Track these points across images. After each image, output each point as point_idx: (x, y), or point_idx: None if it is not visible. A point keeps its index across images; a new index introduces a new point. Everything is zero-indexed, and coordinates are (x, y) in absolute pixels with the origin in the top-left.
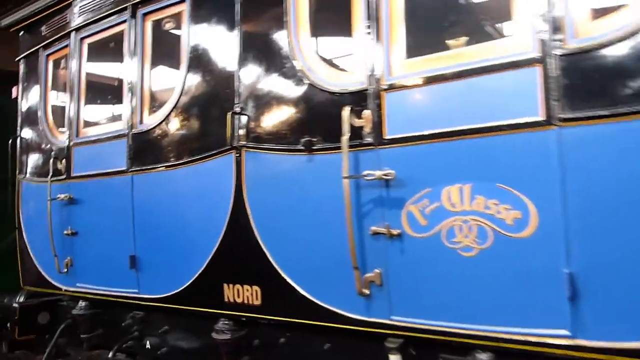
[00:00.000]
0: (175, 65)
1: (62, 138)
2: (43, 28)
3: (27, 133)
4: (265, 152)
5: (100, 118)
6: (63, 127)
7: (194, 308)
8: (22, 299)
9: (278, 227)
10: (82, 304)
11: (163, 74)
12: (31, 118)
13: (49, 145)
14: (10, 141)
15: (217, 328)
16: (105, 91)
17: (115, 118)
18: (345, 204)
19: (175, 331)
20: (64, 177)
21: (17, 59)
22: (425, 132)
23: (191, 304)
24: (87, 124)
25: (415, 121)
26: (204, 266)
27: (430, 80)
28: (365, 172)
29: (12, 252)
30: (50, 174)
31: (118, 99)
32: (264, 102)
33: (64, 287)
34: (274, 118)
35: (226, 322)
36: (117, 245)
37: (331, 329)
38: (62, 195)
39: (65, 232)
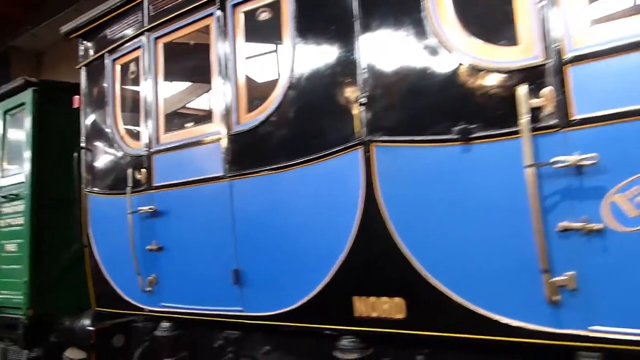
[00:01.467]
0: (274, 57)
1: (138, 146)
2: (107, 32)
3: (93, 144)
4: (403, 145)
5: (184, 122)
6: (137, 135)
7: (315, 325)
8: (87, 321)
9: (425, 229)
10: (164, 324)
11: (260, 68)
12: (97, 128)
13: (122, 155)
14: (75, 154)
15: (343, 347)
16: (188, 94)
17: (204, 120)
18: (530, 196)
19: (280, 351)
20: (144, 188)
21: (77, 66)
22: (631, 108)
23: (311, 321)
24: (168, 129)
25: (613, 97)
26: (328, 278)
27: (629, 48)
28: (553, 159)
29: (69, 271)
30: (129, 185)
31: (205, 100)
32: (397, 88)
33: (147, 307)
34: (413, 106)
35: (352, 339)
36: (215, 259)
37: (496, 344)
38: (145, 208)
39: (148, 247)
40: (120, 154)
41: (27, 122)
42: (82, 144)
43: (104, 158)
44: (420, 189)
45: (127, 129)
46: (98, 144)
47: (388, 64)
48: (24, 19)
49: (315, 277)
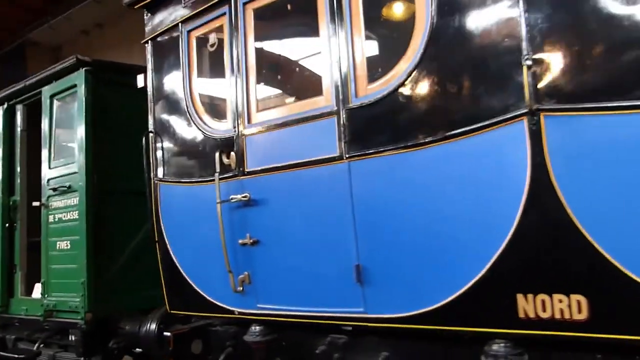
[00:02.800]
0: (404, 19)
1: (225, 127)
2: (181, 0)
3: (164, 127)
4: (584, 114)
5: (283, 98)
6: (221, 114)
7: (465, 328)
8: (153, 325)
9: (619, 215)
10: (256, 328)
11: (381, 32)
12: (169, 109)
13: (202, 138)
14: (144, 139)
15: (494, 352)
16: (285, 65)
17: (310, 94)
18: None
19: (401, 357)
20: (234, 173)
21: (143, 41)
22: None
23: (458, 323)
24: (263, 107)
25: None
26: (483, 273)
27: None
28: None
29: (127, 270)
30: (217, 171)
31: (310, 72)
32: (578, 44)
33: (238, 310)
34: (601, 66)
35: (505, 344)
36: (328, 253)
37: None
38: (238, 196)
39: (240, 241)
40: (200, 137)
41: (80, 106)
42: (150, 128)
43: (178, 142)
44: (612, 167)
45: (207, 109)
46: (170, 127)
47: (562, 14)
48: (43, 10)
49: (465, 272)
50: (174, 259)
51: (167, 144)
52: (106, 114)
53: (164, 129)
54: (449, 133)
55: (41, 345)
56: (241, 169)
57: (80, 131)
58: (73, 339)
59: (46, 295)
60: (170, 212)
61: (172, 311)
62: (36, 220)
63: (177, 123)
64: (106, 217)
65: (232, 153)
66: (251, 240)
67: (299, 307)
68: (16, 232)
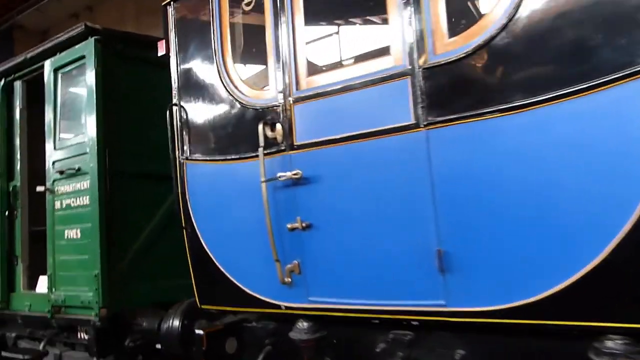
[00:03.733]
0: None
1: (267, 96)
2: None
3: (191, 99)
4: None
5: (339, 59)
6: (261, 81)
7: (580, 323)
8: (176, 322)
9: None
10: (304, 324)
11: None
12: (198, 78)
13: (239, 109)
14: (167, 112)
15: (610, 350)
16: (340, 20)
17: (374, 54)
18: None
19: (481, 356)
20: (280, 148)
21: (164, 2)
22: None
23: (564, 317)
24: (314, 70)
25: None
26: (601, 258)
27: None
28: None
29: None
30: (261, 145)
31: (374, 28)
32: None
33: (284, 304)
34: None
35: (623, 340)
36: (401, 237)
37: None
38: (288, 174)
39: (289, 225)
40: (236, 108)
41: (89, 80)
42: (175, 100)
43: (208, 116)
44: None
45: (244, 76)
46: (199, 99)
47: None
48: None
49: (577, 257)
50: (205, 247)
51: (195, 119)
52: (118, 90)
53: (190, 102)
54: (557, 93)
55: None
56: (289, 142)
57: (90, 108)
58: (85, 337)
59: (54, 290)
60: (200, 194)
61: (203, 306)
62: (39, 208)
63: (208, 94)
64: (118, 202)
65: (278, 125)
66: (303, 224)
67: (360, 300)
68: (17, 220)
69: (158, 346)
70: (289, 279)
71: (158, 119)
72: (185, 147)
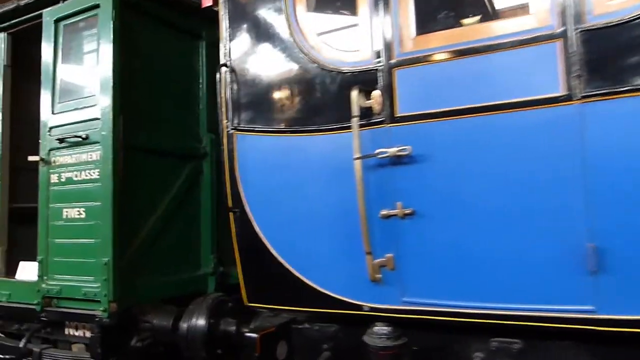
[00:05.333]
0: None
1: (358, 58)
2: None
3: (247, 60)
4: None
5: (456, 16)
6: (347, 41)
7: None
8: (201, 321)
9: None
10: (382, 329)
11: None
12: (257, 32)
13: (317, 73)
14: (217, 75)
15: None
16: None
17: (507, 13)
18: None
19: None
20: (376, 120)
21: None
22: None
23: None
24: (423, 29)
25: None
26: None
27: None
28: None
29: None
30: (356, 114)
31: None
32: None
33: (368, 304)
34: None
35: None
36: (538, 230)
37: None
38: (393, 150)
39: (383, 212)
40: (312, 70)
41: (104, 34)
42: (224, 60)
43: (270, 78)
44: None
45: (324, 34)
46: (257, 58)
47: None
48: None
49: None
50: (259, 234)
51: (251, 83)
52: (135, 50)
53: (245, 62)
54: None
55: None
56: (389, 113)
57: (105, 65)
58: (88, 335)
59: (45, 278)
60: (255, 171)
61: (251, 304)
62: (20, 182)
63: (271, 53)
64: (130, 179)
65: (375, 92)
66: (404, 211)
67: (472, 303)
68: None
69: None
70: (380, 275)
71: (175, 91)
72: (235, 116)
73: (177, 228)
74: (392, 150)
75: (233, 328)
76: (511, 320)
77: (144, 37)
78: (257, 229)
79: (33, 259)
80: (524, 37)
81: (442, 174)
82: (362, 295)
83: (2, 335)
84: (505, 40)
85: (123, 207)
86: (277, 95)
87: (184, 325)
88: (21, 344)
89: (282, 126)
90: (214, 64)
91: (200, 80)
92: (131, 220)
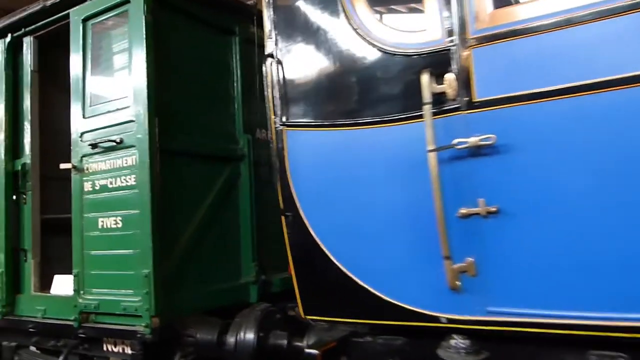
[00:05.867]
0: None
1: (425, 39)
2: None
3: (295, 46)
4: None
5: None
6: (409, 19)
7: None
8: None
9: None
10: (461, 342)
11: None
12: (306, 17)
13: (377, 57)
14: (264, 65)
15: None
16: None
17: None
18: None
19: None
20: (451, 106)
21: None
22: None
23: None
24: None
25: None
26: None
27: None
28: None
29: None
30: (428, 101)
31: None
32: None
33: (445, 316)
34: None
35: None
36: None
37: None
38: (473, 140)
39: (463, 211)
40: (372, 55)
41: (136, 30)
42: (270, 50)
43: (323, 67)
44: None
45: (382, 14)
46: (307, 45)
47: None
48: None
49: None
50: (315, 239)
51: (301, 73)
52: (167, 48)
53: (293, 51)
54: None
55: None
56: (466, 98)
57: (138, 64)
58: (128, 351)
59: (81, 292)
60: (308, 169)
61: (309, 317)
62: (52, 191)
63: (324, 41)
64: (167, 185)
65: (448, 75)
66: (488, 209)
67: (571, 312)
68: (25, 206)
69: None
70: (459, 283)
71: (209, 91)
72: (284, 111)
73: (215, 235)
74: (473, 140)
75: (284, 342)
76: (615, 332)
77: (175, 35)
78: (313, 233)
79: (66, 272)
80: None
81: (531, 165)
82: (438, 305)
83: (38, 351)
84: (607, 7)
85: (162, 214)
86: (332, 85)
87: (230, 339)
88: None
89: (338, 119)
90: (248, 62)
91: (235, 79)
92: (170, 228)
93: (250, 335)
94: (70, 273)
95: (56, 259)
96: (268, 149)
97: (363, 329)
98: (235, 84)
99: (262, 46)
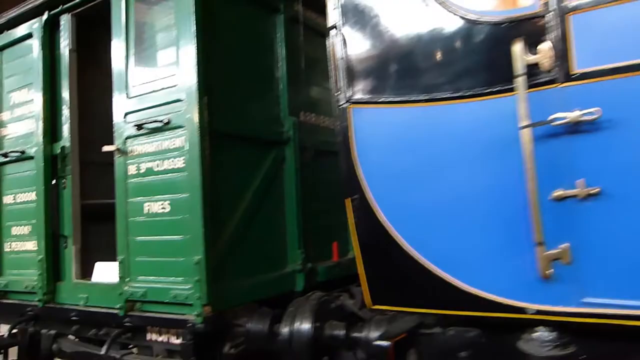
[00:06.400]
0: None
1: (517, 4)
2: None
3: (365, 17)
4: None
5: None
6: None
7: None
8: (306, 324)
9: None
10: (547, 335)
11: None
12: None
13: (459, 26)
14: (327, 41)
15: None
16: None
17: None
18: None
19: None
20: (545, 79)
21: None
22: None
23: None
24: None
25: None
26: None
27: None
28: None
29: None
30: (521, 72)
31: None
32: None
33: (533, 307)
34: None
35: None
36: None
37: None
38: (574, 114)
39: (557, 193)
40: (454, 23)
41: (183, 8)
42: (335, 21)
43: (396, 38)
44: None
45: None
46: (376, 15)
47: None
48: None
49: None
50: (385, 224)
51: (371, 45)
52: (214, 24)
53: (363, 23)
54: None
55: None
56: (563, 70)
57: (186, 39)
58: (173, 340)
59: (127, 280)
60: (377, 150)
61: (376, 306)
62: (89, 177)
63: (397, 9)
64: (215, 168)
65: (544, 44)
66: (588, 191)
67: None
68: (64, 191)
69: None
70: (551, 271)
71: (254, 70)
72: (350, 86)
73: (261, 221)
74: (574, 116)
75: (342, 332)
76: None
77: (221, 8)
78: (382, 218)
79: (105, 259)
80: None
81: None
82: (526, 295)
83: (77, 339)
84: None
85: (212, 198)
86: (406, 58)
87: (284, 329)
88: (103, 351)
89: (412, 94)
90: (292, 41)
91: (279, 58)
92: (218, 214)
93: (306, 326)
94: (110, 260)
95: (94, 246)
96: (313, 132)
97: (431, 319)
98: (279, 64)
99: (307, 26)
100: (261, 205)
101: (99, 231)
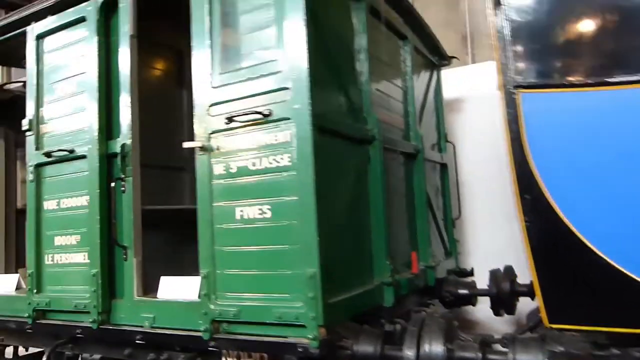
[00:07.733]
0: None
1: None
2: None
3: None
4: None
5: None
6: None
7: None
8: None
9: None
10: None
11: None
12: None
13: None
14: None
15: None
16: None
17: None
18: None
19: None
20: None
21: None
22: None
23: None
24: None
25: None
26: None
27: None
28: None
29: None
30: None
31: None
32: None
33: None
34: None
35: None
36: None
37: None
38: None
39: None
40: None
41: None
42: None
43: (582, 12)
44: None
45: None
46: None
47: None
48: None
49: None
50: (569, 227)
51: (544, 21)
52: (317, 20)
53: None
54: None
55: None
56: None
57: (293, 18)
58: None
59: (213, 297)
60: (554, 141)
61: (555, 325)
62: (152, 178)
63: None
64: (325, 169)
65: None
66: None
67: None
68: (123, 195)
69: None
70: None
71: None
72: (517, 69)
73: (352, 228)
74: None
75: (477, 355)
76: None
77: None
78: (565, 220)
79: (167, 273)
80: None
81: None
82: None
83: None
84: None
85: (324, 202)
86: (590, 33)
87: (408, 352)
88: None
89: (604, 76)
90: (373, 31)
91: (361, 49)
92: (330, 220)
93: (437, 348)
94: (173, 274)
95: (152, 257)
96: (387, 132)
97: (603, 338)
98: (361, 56)
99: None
100: (350, 210)
101: (155, 241)
